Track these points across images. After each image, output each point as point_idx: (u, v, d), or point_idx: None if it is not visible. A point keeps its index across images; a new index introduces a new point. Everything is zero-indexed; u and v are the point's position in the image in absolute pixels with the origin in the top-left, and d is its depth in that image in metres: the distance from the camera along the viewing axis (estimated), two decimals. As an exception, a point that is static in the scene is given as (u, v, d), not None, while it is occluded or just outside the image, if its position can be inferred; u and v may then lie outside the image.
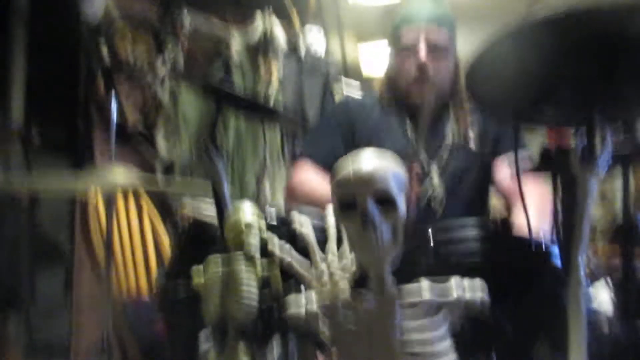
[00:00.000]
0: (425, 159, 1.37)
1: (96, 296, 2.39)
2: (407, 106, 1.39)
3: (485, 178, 1.41)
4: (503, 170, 1.39)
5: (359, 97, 1.64)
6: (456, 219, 1.21)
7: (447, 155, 1.37)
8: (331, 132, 1.45)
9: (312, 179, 1.40)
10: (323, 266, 0.75)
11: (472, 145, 1.38)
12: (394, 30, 1.38)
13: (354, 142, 1.42)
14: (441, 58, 1.33)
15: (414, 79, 1.34)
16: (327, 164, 1.40)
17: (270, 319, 0.68)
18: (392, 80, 1.42)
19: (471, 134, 1.38)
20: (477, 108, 1.35)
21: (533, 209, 1.26)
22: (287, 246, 0.76)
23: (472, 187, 1.38)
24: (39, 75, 2.59)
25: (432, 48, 1.31)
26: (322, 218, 0.83)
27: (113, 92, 2.48)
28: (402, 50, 1.35)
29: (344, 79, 3.67)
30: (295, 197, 1.44)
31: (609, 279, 0.77)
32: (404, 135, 1.39)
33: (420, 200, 1.31)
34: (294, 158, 1.56)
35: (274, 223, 0.85)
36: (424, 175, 1.35)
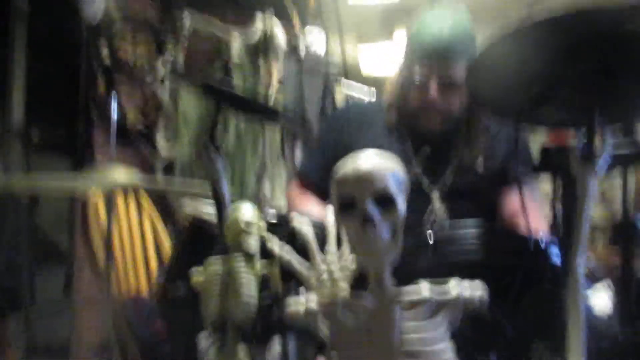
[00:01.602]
0: (427, 182, 1.33)
1: (96, 296, 2.39)
2: (411, 128, 1.36)
3: (492, 196, 1.36)
4: (508, 199, 1.35)
5: (363, 103, 1.60)
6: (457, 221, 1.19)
7: (451, 179, 1.32)
8: (324, 148, 1.42)
9: (308, 203, 1.38)
10: (323, 266, 0.75)
11: (480, 168, 1.33)
12: (407, 48, 1.32)
13: (349, 151, 1.39)
14: (453, 92, 1.27)
15: (422, 110, 1.30)
16: (323, 181, 1.40)
17: (270, 319, 0.68)
18: (400, 99, 1.37)
19: (480, 157, 1.33)
20: (482, 114, 1.32)
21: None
22: (287, 247, 0.76)
23: (477, 206, 1.32)
24: (39, 75, 2.59)
25: (444, 83, 1.25)
26: (322, 220, 0.84)
27: (113, 92, 2.48)
28: (414, 77, 1.28)
29: (344, 80, 3.68)
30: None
31: (608, 279, 0.77)
32: (406, 155, 1.34)
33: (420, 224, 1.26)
34: (294, 161, 1.55)
35: (274, 222, 0.85)
36: (426, 198, 1.31)
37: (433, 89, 1.25)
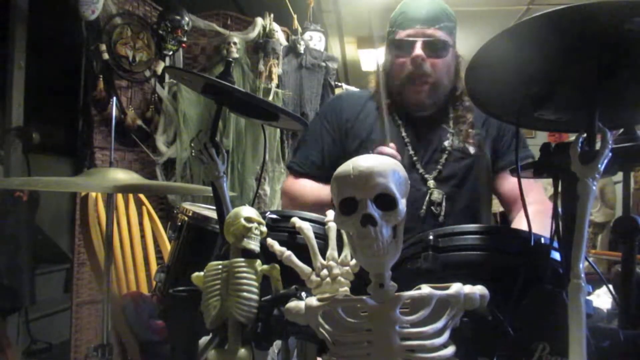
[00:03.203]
0: (422, 163, 1.33)
1: (96, 296, 2.40)
2: (402, 106, 1.36)
3: (487, 179, 1.37)
4: (505, 179, 1.36)
5: (355, 92, 1.60)
6: (458, 222, 1.19)
7: (445, 159, 1.33)
8: (320, 136, 1.42)
9: (305, 189, 1.38)
10: (323, 264, 0.75)
11: (472, 146, 1.34)
12: (390, 29, 1.34)
13: (346, 141, 1.39)
14: (438, 55, 1.29)
15: (410, 74, 1.30)
16: (317, 171, 1.40)
17: (270, 319, 0.68)
18: (387, 77, 1.37)
19: (471, 136, 1.34)
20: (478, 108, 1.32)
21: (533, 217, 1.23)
22: (288, 252, 0.76)
23: (472, 189, 1.34)
24: (39, 75, 2.60)
25: (428, 44, 1.28)
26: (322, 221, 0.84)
27: (113, 92, 2.48)
28: (397, 46, 1.31)
29: (343, 82, 3.68)
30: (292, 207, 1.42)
31: (608, 279, 0.77)
32: (399, 137, 1.35)
33: (420, 204, 1.28)
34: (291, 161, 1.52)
35: (274, 220, 0.85)
36: (422, 179, 1.31)
37: (419, 47, 1.28)
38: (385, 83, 1.36)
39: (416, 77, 1.30)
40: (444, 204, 1.29)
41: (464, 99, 1.35)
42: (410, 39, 1.28)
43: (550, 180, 0.72)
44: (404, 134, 1.35)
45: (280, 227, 0.84)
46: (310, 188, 1.37)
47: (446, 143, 1.34)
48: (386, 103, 1.36)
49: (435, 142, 1.35)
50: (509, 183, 1.35)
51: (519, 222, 1.29)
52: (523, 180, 1.32)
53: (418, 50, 1.27)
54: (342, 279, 0.74)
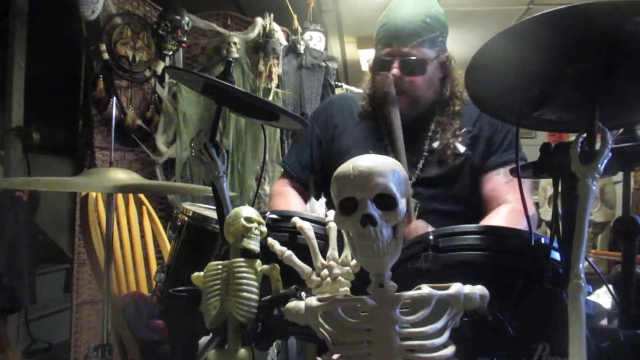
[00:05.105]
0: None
1: (96, 296, 2.39)
2: (384, 115, 1.36)
3: (474, 181, 1.34)
4: (488, 180, 1.33)
5: (348, 95, 1.61)
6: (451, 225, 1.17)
7: (424, 164, 1.33)
8: (311, 139, 1.45)
9: (287, 199, 1.38)
10: (323, 264, 0.75)
11: (459, 150, 1.33)
12: (375, 38, 1.35)
13: (332, 147, 1.41)
14: (415, 73, 1.30)
15: (387, 92, 1.31)
16: (305, 174, 1.42)
17: (270, 319, 0.68)
18: (372, 86, 1.40)
19: (458, 140, 1.33)
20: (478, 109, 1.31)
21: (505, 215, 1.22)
22: (288, 252, 0.76)
23: (453, 194, 1.32)
24: (39, 75, 2.60)
25: (404, 64, 1.28)
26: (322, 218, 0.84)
27: (113, 92, 2.48)
28: (377, 62, 1.33)
29: (343, 82, 3.68)
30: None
31: (608, 279, 0.77)
32: (381, 144, 1.35)
33: None
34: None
35: (274, 223, 0.85)
36: None
37: (395, 67, 1.28)
38: (371, 91, 1.40)
39: (395, 93, 1.31)
40: (416, 211, 1.27)
41: (454, 102, 1.35)
42: (387, 58, 1.29)
43: (550, 180, 0.72)
44: (386, 141, 1.35)
45: (280, 227, 0.84)
46: (285, 201, 1.37)
47: (426, 148, 1.34)
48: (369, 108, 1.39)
49: (417, 147, 1.35)
50: (490, 184, 1.32)
51: (488, 220, 1.25)
52: (504, 181, 1.31)
53: (394, 70, 1.29)
54: (343, 279, 0.74)
